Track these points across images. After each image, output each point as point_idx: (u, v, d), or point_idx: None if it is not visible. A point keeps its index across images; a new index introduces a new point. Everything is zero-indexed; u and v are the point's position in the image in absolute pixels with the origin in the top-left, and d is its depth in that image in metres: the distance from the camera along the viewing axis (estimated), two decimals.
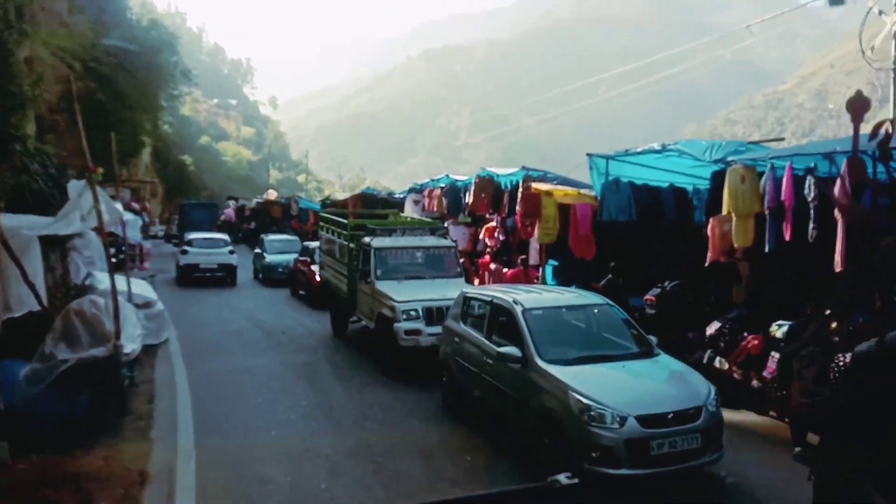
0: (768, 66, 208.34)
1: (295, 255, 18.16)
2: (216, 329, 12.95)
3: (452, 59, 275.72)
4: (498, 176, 13.60)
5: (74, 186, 7.31)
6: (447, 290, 9.99)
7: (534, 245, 12.19)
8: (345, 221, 12.43)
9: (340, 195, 28.37)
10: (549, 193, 11.82)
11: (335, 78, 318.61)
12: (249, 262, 27.40)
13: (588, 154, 10.36)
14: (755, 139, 11.94)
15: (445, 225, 14.82)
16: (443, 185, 16.10)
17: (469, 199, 13.94)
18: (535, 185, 11.92)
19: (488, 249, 14.20)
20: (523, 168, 12.35)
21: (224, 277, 19.79)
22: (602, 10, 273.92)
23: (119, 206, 10.75)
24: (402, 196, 19.41)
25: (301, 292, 16.89)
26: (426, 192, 17.20)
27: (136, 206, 33.99)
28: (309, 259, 16.15)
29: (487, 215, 14.14)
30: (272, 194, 44.41)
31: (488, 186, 13.63)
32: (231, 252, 20.47)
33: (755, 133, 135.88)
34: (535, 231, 11.77)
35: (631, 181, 10.24)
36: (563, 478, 2.21)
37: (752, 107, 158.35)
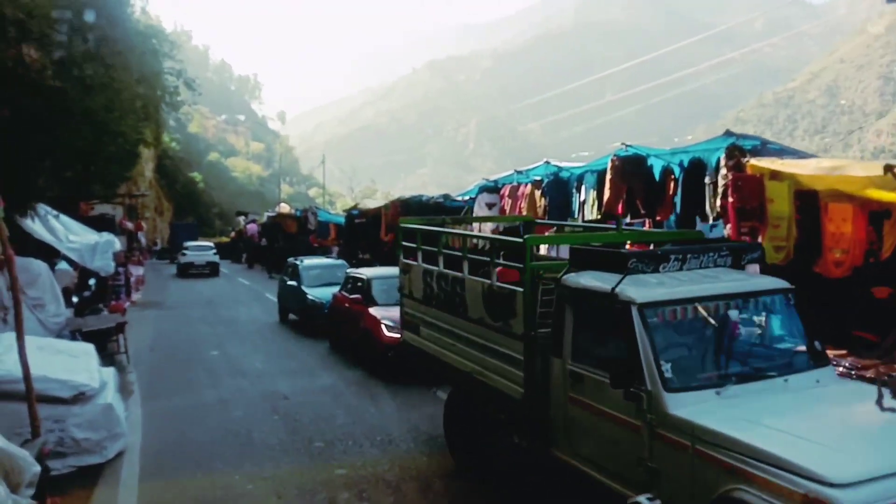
0: (776, 65, 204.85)
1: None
2: (210, 420, 7.90)
3: (457, 69, 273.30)
4: (652, 154, 8.53)
5: None
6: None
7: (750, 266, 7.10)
8: (513, 240, 6.46)
9: (371, 203, 23.29)
10: (778, 174, 6.76)
11: (340, 90, 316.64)
12: (259, 286, 23.13)
13: None
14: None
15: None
16: (538, 176, 11.02)
17: (604, 193, 8.78)
18: (753, 161, 6.87)
19: None
20: (727, 134, 7.26)
21: (209, 273, 28.03)
22: (603, 16, 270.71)
23: None
24: (464, 199, 14.33)
25: (337, 342, 11.60)
26: (506, 191, 12.10)
27: (129, 224, 29.44)
28: (361, 296, 10.53)
29: (628, 219, 9.04)
30: (284, 208, 39.89)
31: (636, 172, 8.55)
32: (215, 254, 29.35)
33: (767, 132, 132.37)
34: (762, 242, 6.70)
35: None
36: (643, 499, 2.33)
37: (762, 105, 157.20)
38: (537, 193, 11.03)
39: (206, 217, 62.08)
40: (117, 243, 16.48)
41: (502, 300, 5.34)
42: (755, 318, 4.65)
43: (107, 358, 10.80)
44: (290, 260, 15.59)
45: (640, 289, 4.28)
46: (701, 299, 4.36)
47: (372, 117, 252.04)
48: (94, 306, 13.12)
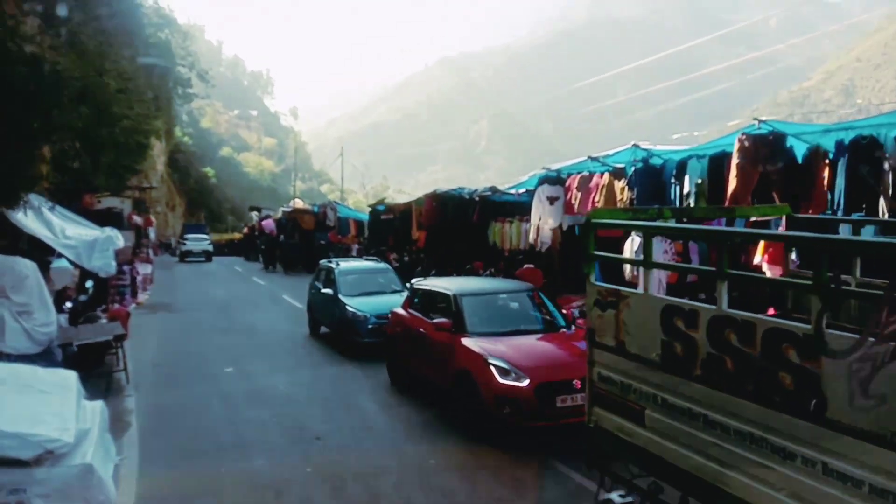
0: (791, 63, 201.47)
1: (394, 297, 10.35)
2: (225, 470, 6.10)
3: (469, 66, 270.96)
4: (791, 134, 6.64)
5: None
6: None
7: None
8: None
9: (401, 198, 21.46)
10: None
11: (353, 87, 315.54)
12: (275, 287, 21.51)
13: None
14: None
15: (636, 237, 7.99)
16: (620, 163, 9.16)
17: (728, 182, 6.86)
18: None
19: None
20: None
21: (205, 259, 33.53)
22: (618, 12, 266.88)
23: None
24: (518, 192, 12.46)
25: (401, 378, 8.88)
26: (573, 182, 10.24)
27: (138, 219, 27.86)
28: (449, 321, 7.51)
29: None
30: (299, 203, 38.43)
31: (772, 154, 6.65)
32: (209, 244, 35.56)
33: None
34: None
35: None
36: (616, 497, 2.29)
37: (777, 104, 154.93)
38: (618, 184, 9.17)
39: (218, 213, 60.73)
40: (120, 239, 14.75)
41: None
42: None
43: (103, 377, 9.11)
44: (324, 263, 12.91)
45: None
46: None
47: (384, 114, 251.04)
48: (91, 313, 11.37)
